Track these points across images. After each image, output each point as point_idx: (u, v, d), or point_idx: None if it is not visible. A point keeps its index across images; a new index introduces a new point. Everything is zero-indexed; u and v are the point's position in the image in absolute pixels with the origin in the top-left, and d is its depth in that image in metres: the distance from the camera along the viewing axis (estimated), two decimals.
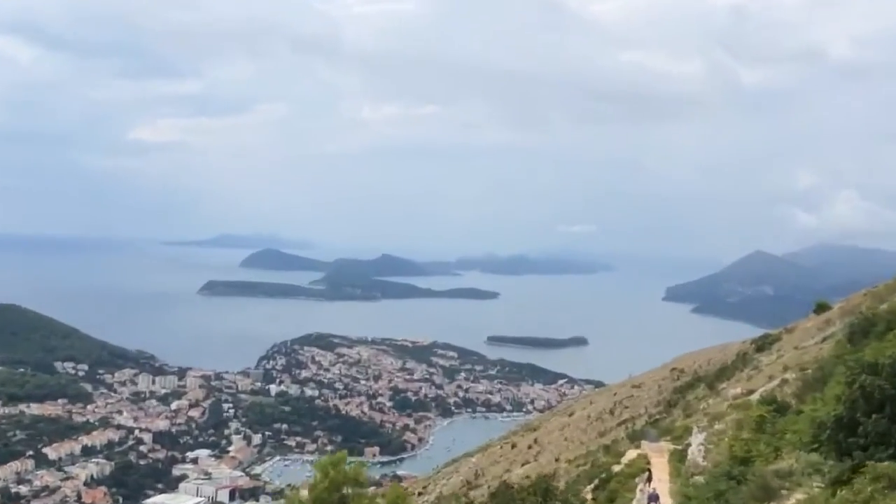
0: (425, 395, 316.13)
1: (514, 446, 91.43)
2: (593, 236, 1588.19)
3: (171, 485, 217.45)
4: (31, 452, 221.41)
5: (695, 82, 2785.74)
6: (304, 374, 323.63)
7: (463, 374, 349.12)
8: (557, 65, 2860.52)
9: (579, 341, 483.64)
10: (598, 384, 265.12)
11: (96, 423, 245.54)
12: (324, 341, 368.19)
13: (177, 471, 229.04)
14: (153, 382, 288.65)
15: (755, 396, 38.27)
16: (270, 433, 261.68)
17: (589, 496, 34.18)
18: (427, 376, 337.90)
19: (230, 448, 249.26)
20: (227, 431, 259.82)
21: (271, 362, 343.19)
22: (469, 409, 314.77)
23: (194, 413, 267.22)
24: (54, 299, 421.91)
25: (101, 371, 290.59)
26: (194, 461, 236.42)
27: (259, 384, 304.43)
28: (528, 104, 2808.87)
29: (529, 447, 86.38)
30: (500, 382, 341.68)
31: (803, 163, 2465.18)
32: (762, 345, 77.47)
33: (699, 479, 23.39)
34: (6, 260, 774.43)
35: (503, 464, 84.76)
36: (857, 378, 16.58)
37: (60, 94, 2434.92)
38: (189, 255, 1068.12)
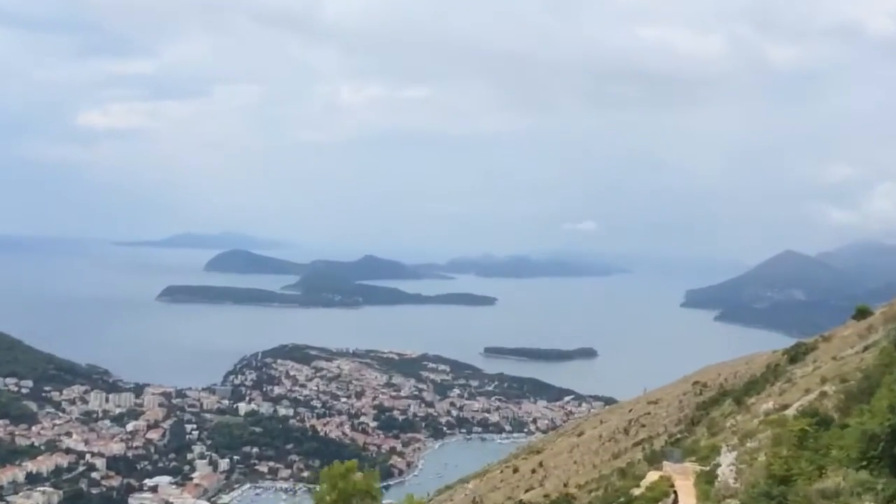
0: (414, 415, 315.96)
1: (516, 470, 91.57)
2: (603, 235, 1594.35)
3: None
4: None
5: (718, 62, 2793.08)
6: (278, 390, 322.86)
7: (456, 391, 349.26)
8: (564, 42, 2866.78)
9: (587, 353, 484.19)
10: (610, 401, 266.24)
11: (42, 447, 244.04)
12: (299, 354, 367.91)
13: (134, 500, 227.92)
14: (106, 401, 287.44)
15: (791, 411, 38.38)
16: (239, 457, 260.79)
17: None
18: (416, 393, 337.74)
19: (194, 474, 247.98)
20: (190, 456, 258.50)
21: (240, 377, 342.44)
22: (463, 430, 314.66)
23: (153, 435, 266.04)
24: None
25: (47, 388, 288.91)
26: (153, 489, 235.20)
27: (226, 402, 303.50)
28: (531, 87, 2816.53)
29: (534, 471, 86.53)
30: (499, 399, 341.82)
31: (838, 152, 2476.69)
32: (795, 355, 77.66)
33: (732, 501, 23.45)
34: None
35: (504, 490, 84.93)
36: None
37: None
38: (146, 257, 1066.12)
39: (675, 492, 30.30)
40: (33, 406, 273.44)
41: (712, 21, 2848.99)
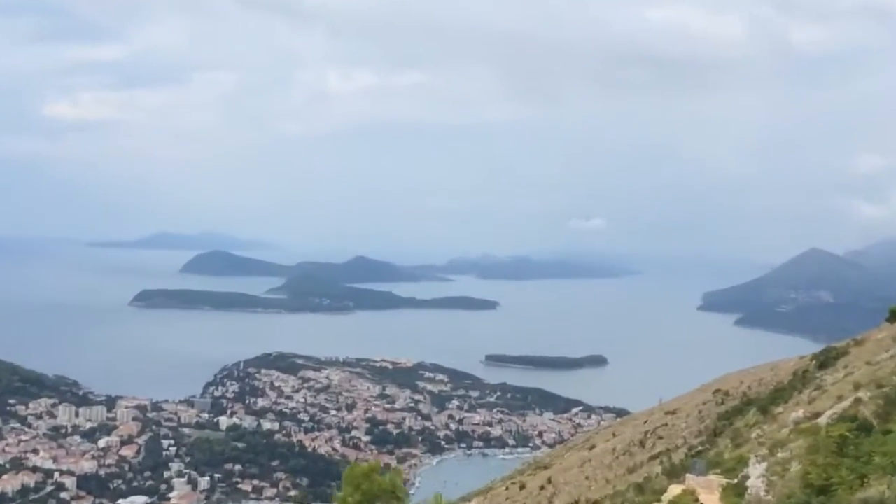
0: (410, 428, 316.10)
1: (522, 487, 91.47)
2: (612, 232, 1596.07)
3: None
4: None
5: (735, 45, 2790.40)
6: (262, 403, 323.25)
7: (455, 402, 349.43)
8: (569, 24, 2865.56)
9: (597, 361, 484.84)
10: (621, 412, 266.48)
11: (7, 465, 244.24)
12: (285, 363, 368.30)
13: None
14: (76, 415, 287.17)
15: (823, 419, 38.37)
16: (220, 475, 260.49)
17: None
18: (412, 405, 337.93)
19: (171, 494, 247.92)
20: (167, 474, 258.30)
21: (221, 389, 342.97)
22: (463, 445, 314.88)
23: (127, 451, 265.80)
24: None
25: (11, 401, 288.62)
26: None
27: (206, 416, 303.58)
28: (533, 72, 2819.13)
29: (542, 488, 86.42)
30: (501, 412, 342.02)
31: (867, 142, 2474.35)
32: (825, 360, 77.57)
33: None
34: None
35: None
36: None
37: None
38: (118, 259, 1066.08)
39: None
40: None
41: (728, 0, 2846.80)
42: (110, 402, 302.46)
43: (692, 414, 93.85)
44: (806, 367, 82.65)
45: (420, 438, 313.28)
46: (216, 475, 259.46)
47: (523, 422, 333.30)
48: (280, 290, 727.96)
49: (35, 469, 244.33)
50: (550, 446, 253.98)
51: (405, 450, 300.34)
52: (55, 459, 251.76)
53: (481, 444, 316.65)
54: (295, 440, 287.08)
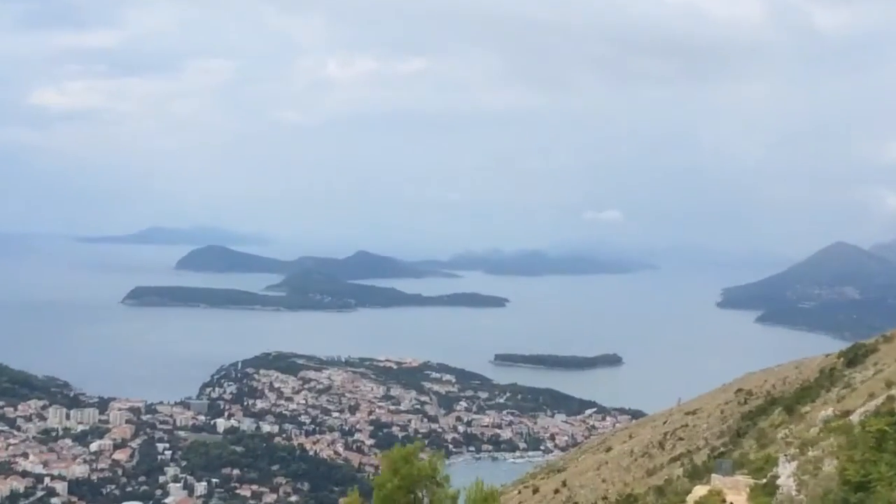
0: (415, 431, 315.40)
1: (536, 491, 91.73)
2: (628, 225, 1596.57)
3: None
4: None
5: (757, 29, 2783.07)
6: (261, 404, 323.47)
7: (463, 404, 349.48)
8: (581, 6, 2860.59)
9: (612, 360, 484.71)
10: (637, 414, 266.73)
11: None
12: (285, 363, 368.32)
13: None
14: (67, 417, 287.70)
15: (855, 417, 38.48)
16: (218, 480, 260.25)
17: None
18: (417, 406, 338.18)
19: (167, 500, 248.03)
20: (162, 479, 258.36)
21: (218, 390, 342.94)
22: (472, 448, 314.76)
23: (120, 455, 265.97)
24: None
25: None
26: None
27: (202, 418, 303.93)
28: (544, 58, 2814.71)
29: (557, 491, 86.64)
30: (511, 413, 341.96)
31: (895, 130, 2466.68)
32: (854, 357, 77.78)
33: None
34: None
35: None
36: None
37: None
38: (110, 255, 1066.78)
39: None
40: None
41: None
42: (103, 404, 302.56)
43: (714, 414, 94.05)
44: (833, 365, 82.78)
45: (426, 441, 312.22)
46: (213, 480, 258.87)
47: (534, 424, 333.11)
48: (279, 287, 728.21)
49: (24, 474, 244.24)
50: (563, 449, 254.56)
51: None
52: (45, 464, 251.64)
53: (490, 447, 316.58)
54: (295, 443, 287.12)
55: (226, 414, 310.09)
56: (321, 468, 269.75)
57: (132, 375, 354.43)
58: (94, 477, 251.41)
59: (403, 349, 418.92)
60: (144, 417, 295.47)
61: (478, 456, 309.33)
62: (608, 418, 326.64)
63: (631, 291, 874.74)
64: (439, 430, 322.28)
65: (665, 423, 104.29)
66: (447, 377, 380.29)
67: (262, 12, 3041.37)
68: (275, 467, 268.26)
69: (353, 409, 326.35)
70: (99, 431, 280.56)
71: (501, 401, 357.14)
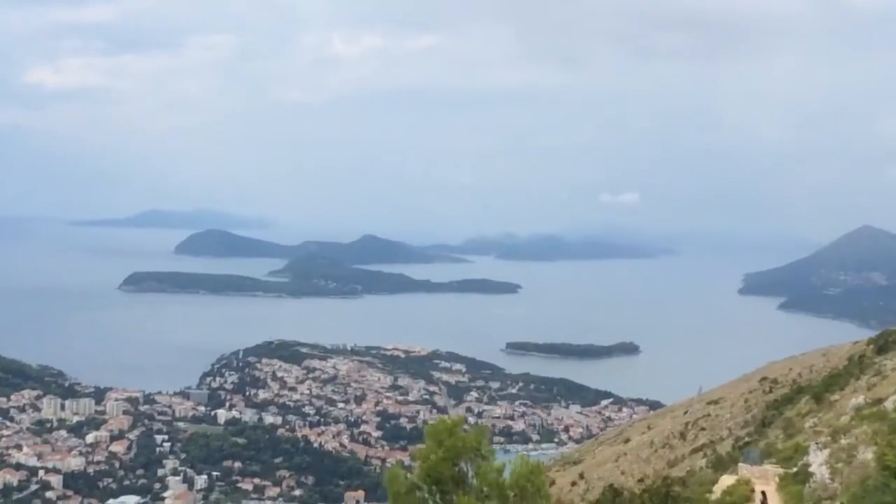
0: (424, 422, 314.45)
1: (552, 483, 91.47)
2: (647, 208, 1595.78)
3: None
4: None
5: (785, 3, 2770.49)
6: (263, 394, 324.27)
7: (474, 394, 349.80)
8: None
9: (628, 349, 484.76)
10: (655, 405, 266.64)
11: None
12: (288, 351, 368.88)
13: None
14: (62, 408, 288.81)
15: (889, 404, 38.34)
16: (219, 473, 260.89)
17: None
18: (426, 397, 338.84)
19: (166, 493, 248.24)
20: (161, 472, 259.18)
21: (218, 380, 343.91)
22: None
23: (118, 447, 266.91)
24: None
25: None
26: None
27: (203, 409, 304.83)
28: (559, 33, 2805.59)
29: (574, 484, 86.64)
30: (524, 404, 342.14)
31: None
32: (885, 344, 77.52)
33: (831, 502, 23.34)
34: None
35: None
36: None
37: None
38: (106, 239, 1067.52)
39: (763, 493, 30.20)
40: None
41: None
42: (99, 394, 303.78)
43: (737, 403, 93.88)
44: (862, 353, 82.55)
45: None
46: (214, 473, 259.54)
47: (548, 415, 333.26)
48: (282, 273, 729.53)
49: (18, 466, 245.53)
50: (578, 442, 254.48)
51: (420, 446, 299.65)
52: (40, 456, 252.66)
53: (502, 439, 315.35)
54: (299, 435, 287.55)
55: (227, 404, 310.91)
56: (326, 461, 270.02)
57: (130, 364, 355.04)
58: (90, 470, 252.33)
59: (412, 337, 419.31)
60: (142, 408, 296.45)
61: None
62: (625, 409, 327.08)
63: (649, 277, 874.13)
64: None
65: (686, 413, 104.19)
66: (457, 366, 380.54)
67: None
68: (278, 460, 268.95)
69: (360, 400, 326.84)
70: (95, 423, 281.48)
71: (514, 391, 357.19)
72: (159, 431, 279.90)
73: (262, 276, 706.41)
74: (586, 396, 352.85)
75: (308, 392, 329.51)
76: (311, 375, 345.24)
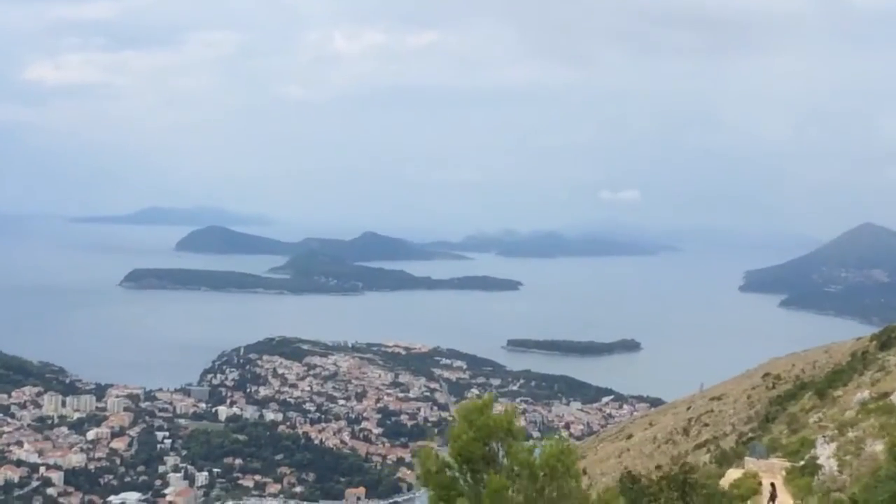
0: (425, 419, 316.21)
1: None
2: (647, 206, 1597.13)
3: None
4: None
5: (788, 1, 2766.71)
6: (264, 391, 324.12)
7: (475, 391, 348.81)
8: None
9: (629, 346, 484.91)
10: (656, 402, 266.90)
11: None
12: (289, 348, 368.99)
13: None
14: (63, 404, 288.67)
15: (894, 398, 38.41)
16: (220, 470, 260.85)
17: None
18: (427, 394, 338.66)
19: (167, 490, 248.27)
20: (162, 468, 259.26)
21: (219, 376, 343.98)
22: None
23: (118, 444, 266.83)
24: None
25: None
26: None
27: (203, 406, 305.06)
28: (560, 31, 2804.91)
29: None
30: (525, 401, 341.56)
31: None
32: (887, 340, 77.55)
33: (839, 494, 23.33)
34: None
35: None
36: None
37: None
38: (106, 236, 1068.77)
39: (772, 484, 30.23)
40: None
41: None
42: (100, 391, 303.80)
43: (740, 399, 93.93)
44: (865, 349, 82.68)
45: (436, 430, 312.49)
46: (215, 470, 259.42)
47: (549, 412, 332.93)
48: (283, 270, 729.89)
49: (19, 463, 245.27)
50: (579, 438, 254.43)
51: (420, 443, 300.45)
52: (40, 452, 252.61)
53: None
54: (300, 432, 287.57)
55: (228, 401, 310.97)
56: (327, 457, 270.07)
57: (130, 361, 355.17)
58: (90, 466, 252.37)
59: (412, 334, 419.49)
60: (143, 405, 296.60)
61: None
62: (626, 406, 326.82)
63: (650, 274, 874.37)
64: (450, 418, 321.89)
65: (688, 409, 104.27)
66: (458, 363, 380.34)
67: None
68: (279, 457, 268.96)
69: (360, 397, 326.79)
70: (96, 419, 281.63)
71: (514, 388, 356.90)
72: (160, 428, 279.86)
73: (263, 272, 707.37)
74: (587, 393, 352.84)
75: (309, 389, 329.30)
76: (311, 372, 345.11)
